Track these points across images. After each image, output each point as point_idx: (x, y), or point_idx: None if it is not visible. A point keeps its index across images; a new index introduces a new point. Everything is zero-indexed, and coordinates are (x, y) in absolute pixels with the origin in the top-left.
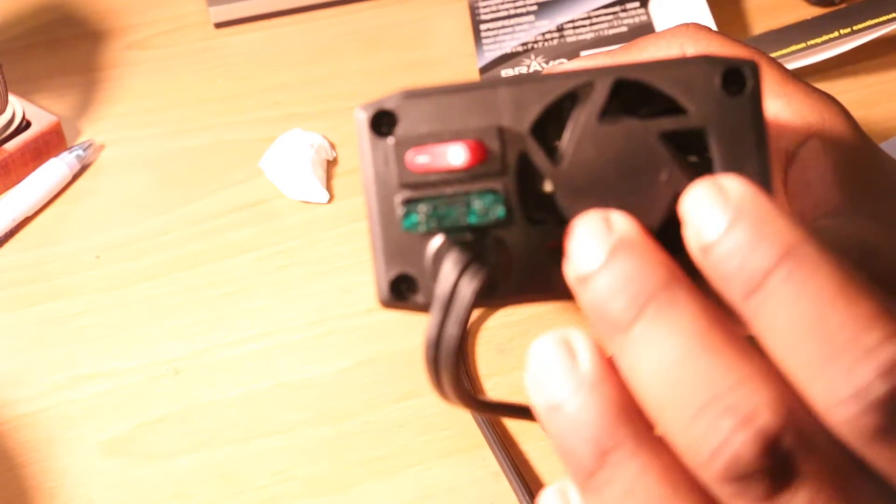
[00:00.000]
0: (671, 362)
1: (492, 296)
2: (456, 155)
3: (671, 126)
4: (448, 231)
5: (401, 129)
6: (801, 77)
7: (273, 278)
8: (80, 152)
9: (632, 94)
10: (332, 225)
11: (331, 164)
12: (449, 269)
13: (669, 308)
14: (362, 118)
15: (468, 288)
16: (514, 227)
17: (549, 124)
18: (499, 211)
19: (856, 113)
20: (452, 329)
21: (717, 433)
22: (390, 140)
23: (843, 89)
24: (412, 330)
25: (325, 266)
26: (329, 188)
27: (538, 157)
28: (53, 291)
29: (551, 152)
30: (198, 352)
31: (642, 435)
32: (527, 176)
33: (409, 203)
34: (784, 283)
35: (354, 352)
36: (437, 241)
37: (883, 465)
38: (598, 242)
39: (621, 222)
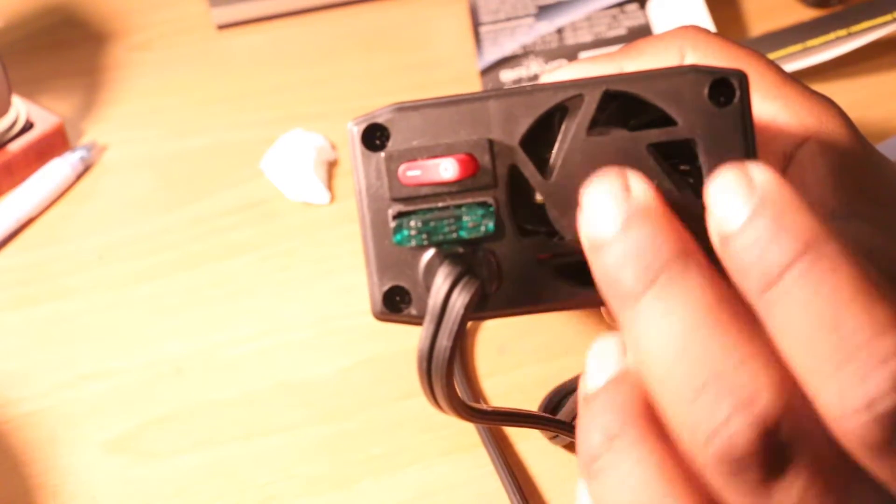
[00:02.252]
0: (677, 335)
1: (483, 308)
2: (447, 169)
3: (660, 137)
4: (439, 245)
5: (392, 142)
6: (799, 79)
7: (274, 278)
8: (83, 153)
9: (622, 104)
10: (333, 225)
11: (332, 164)
12: (441, 281)
13: (680, 280)
14: (355, 132)
15: (460, 300)
16: (505, 239)
17: (540, 134)
18: (489, 225)
19: (853, 114)
20: (445, 341)
21: (715, 414)
22: (382, 154)
23: (840, 91)
24: (412, 330)
25: (326, 266)
26: (330, 189)
27: (528, 171)
28: (56, 291)
29: (542, 163)
30: (199, 351)
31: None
32: (518, 187)
33: (400, 217)
34: (800, 279)
35: (355, 351)
36: (430, 253)
37: (884, 476)
38: (615, 208)
39: (640, 188)
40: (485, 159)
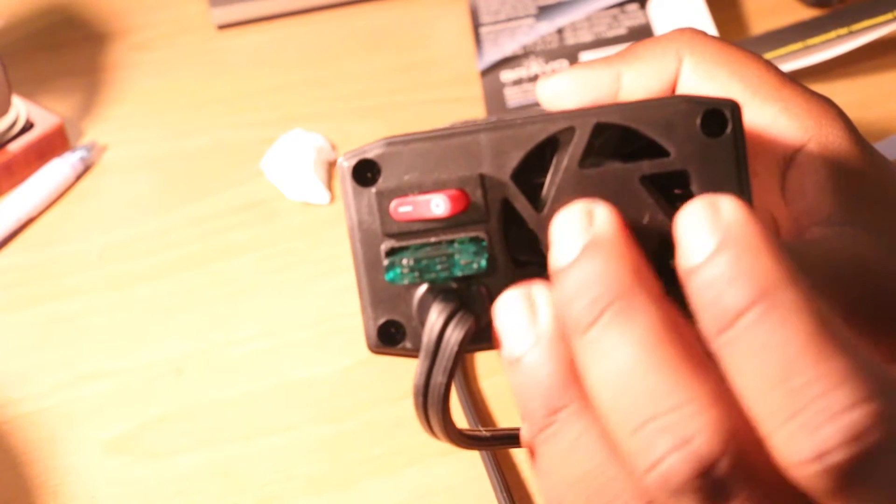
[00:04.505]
0: (620, 372)
1: (478, 341)
2: (438, 205)
3: (652, 169)
4: (432, 282)
5: (383, 178)
6: (799, 79)
7: (274, 278)
8: (84, 153)
9: (615, 133)
10: (333, 225)
11: (332, 164)
12: (434, 318)
13: (625, 316)
14: (345, 167)
15: (454, 337)
16: (498, 271)
17: (533, 165)
18: (481, 262)
19: (852, 114)
20: (440, 378)
21: (654, 450)
22: (373, 190)
23: (840, 91)
24: None
25: (326, 266)
26: (330, 189)
27: (521, 204)
28: (57, 291)
29: (534, 194)
30: (200, 351)
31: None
32: (511, 217)
33: (392, 254)
34: (754, 326)
35: (355, 351)
36: (423, 288)
37: None
38: (575, 236)
39: (602, 218)
40: (476, 194)
